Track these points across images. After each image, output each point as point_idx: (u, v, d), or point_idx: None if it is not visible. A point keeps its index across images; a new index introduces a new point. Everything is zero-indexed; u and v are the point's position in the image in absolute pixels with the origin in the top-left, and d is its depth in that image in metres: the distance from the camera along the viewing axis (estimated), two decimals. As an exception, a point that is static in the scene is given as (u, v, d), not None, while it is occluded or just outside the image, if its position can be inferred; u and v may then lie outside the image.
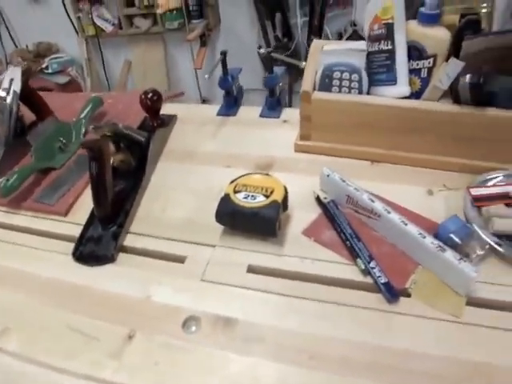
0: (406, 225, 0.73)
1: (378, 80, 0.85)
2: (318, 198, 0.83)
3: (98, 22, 2.17)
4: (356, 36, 1.93)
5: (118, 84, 2.42)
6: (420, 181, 0.86)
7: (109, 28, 2.19)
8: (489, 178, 0.83)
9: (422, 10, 0.78)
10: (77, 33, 2.23)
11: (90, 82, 2.38)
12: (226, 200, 0.75)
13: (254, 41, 2.06)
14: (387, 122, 0.85)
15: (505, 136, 0.81)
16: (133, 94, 1.01)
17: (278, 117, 1.05)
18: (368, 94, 0.87)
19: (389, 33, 0.80)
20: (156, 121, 1.00)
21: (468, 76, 0.76)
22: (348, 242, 0.74)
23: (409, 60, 0.83)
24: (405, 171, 0.89)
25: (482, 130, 0.81)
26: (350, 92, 0.86)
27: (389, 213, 0.75)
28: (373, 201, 0.77)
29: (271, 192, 0.75)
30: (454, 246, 0.72)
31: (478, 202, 0.79)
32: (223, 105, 1.09)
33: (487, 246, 0.73)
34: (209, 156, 0.97)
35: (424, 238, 0.70)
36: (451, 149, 0.85)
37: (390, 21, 0.79)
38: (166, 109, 1.12)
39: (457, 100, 0.81)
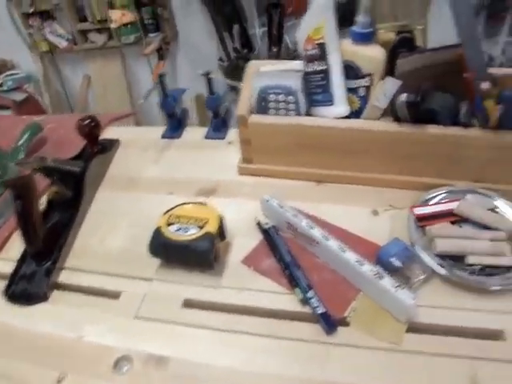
0: (344, 252, 0.71)
1: (316, 100, 0.83)
2: (259, 224, 0.81)
3: (51, 38, 2.12)
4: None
5: (79, 99, 2.37)
6: (366, 201, 0.85)
7: (63, 44, 2.14)
8: (432, 195, 0.82)
9: (355, 28, 0.77)
10: (29, 49, 2.17)
11: (49, 99, 2.33)
12: (158, 233, 0.73)
13: (215, 53, 2.03)
14: (328, 142, 0.83)
15: (446, 152, 0.80)
16: (75, 118, 0.97)
17: (224, 138, 1.03)
18: (309, 114, 0.85)
19: (322, 53, 0.78)
20: (95, 147, 0.97)
21: (404, 95, 0.75)
22: (287, 271, 0.72)
23: (346, 79, 0.81)
24: (351, 191, 0.88)
25: (424, 147, 0.80)
26: (287, 114, 0.84)
27: (327, 240, 0.73)
28: (311, 227, 0.75)
29: (205, 223, 0.73)
30: (395, 270, 0.71)
31: (422, 221, 0.78)
32: (167, 127, 1.06)
33: (429, 269, 0.71)
34: (151, 182, 0.95)
35: (362, 265, 0.69)
36: (395, 167, 0.84)
37: (322, 41, 0.77)
38: (110, 132, 1.09)
39: (396, 118, 0.80)
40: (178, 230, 0.73)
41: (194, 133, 1.07)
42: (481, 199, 0.80)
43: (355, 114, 0.83)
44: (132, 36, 2.07)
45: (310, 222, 0.76)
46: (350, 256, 0.70)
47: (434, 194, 0.82)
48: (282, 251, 0.75)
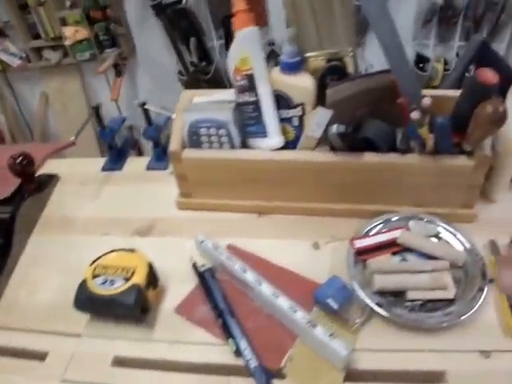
0: (276, 297, 0.67)
1: (250, 132, 0.80)
2: (194, 266, 0.77)
3: (4, 57, 2.05)
4: (274, 55, 1.86)
5: (37, 118, 2.31)
6: (308, 232, 0.82)
7: (16, 62, 2.07)
8: (374, 224, 0.79)
9: (282, 58, 0.73)
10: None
11: (5, 119, 2.26)
12: (82, 287, 0.69)
13: (174, 67, 1.98)
14: (265, 174, 0.80)
15: (385, 179, 0.77)
16: (12, 150, 0.91)
17: (166, 168, 0.98)
18: (245, 145, 0.81)
19: (251, 84, 0.75)
20: (31, 185, 0.92)
21: (335, 126, 0.71)
22: (220, 319, 0.69)
23: (279, 109, 0.77)
24: (293, 222, 0.84)
25: (362, 174, 0.77)
26: (221, 147, 0.80)
27: (260, 284, 0.70)
28: (245, 271, 0.71)
29: (132, 273, 0.69)
30: (332, 313, 0.67)
31: (362, 254, 0.75)
32: (107, 159, 1.02)
33: (368, 308, 0.68)
34: (87, 222, 0.90)
35: (295, 312, 0.65)
36: (335, 195, 0.81)
37: (250, 72, 0.74)
38: (49, 165, 1.04)
39: (332, 147, 0.76)
40: (103, 282, 0.69)
41: (135, 164, 1.03)
42: (423, 226, 0.78)
43: (292, 143, 0.80)
44: (87, 52, 2.01)
45: (243, 265, 0.72)
46: (283, 302, 0.67)
47: (376, 223, 0.79)
48: (216, 297, 0.72)
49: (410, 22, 1.87)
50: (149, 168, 1.00)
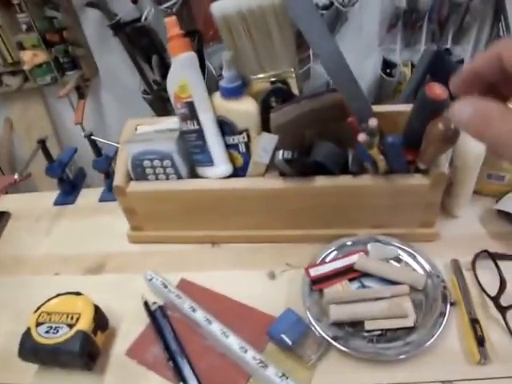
0: (227, 337, 0.64)
1: (197, 161, 0.76)
2: (146, 304, 0.73)
3: (-38, 85, 2.00)
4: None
5: (2, 144, 2.26)
6: (263, 261, 0.79)
7: (-24, 90, 2.03)
8: (330, 250, 0.76)
9: (222, 84, 0.70)
10: None
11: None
12: (26, 337, 0.65)
13: (137, 86, 1.94)
14: (214, 203, 0.77)
15: (339, 202, 0.75)
16: None
17: (118, 199, 0.94)
18: (194, 174, 0.78)
19: (192, 112, 0.72)
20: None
21: (280, 152, 0.68)
22: (171, 362, 0.65)
23: (224, 135, 0.75)
24: (247, 251, 0.81)
25: (314, 199, 0.74)
26: (167, 178, 0.77)
27: (210, 323, 0.66)
28: (194, 310, 0.68)
29: (77, 319, 0.65)
30: (287, 348, 0.64)
31: (319, 283, 0.71)
32: (59, 193, 0.98)
33: (325, 342, 0.65)
34: (38, 262, 0.86)
35: (245, 352, 0.62)
36: (289, 221, 0.78)
37: (189, 99, 0.71)
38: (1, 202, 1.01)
39: (282, 173, 0.73)
40: (47, 330, 0.65)
41: (88, 196, 0.99)
42: (382, 249, 0.75)
43: (241, 170, 0.77)
44: (48, 76, 1.96)
45: (193, 304, 0.69)
46: (233, 341, 0.64)
47: (332, 249, 0.76)
48: (167, 338, 0.68)
49: (375, 28, 1.86)
50: (101, 200, 0.97)
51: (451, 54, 1.83)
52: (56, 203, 0.98)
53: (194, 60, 0.70)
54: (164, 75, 1.92)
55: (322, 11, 1.72)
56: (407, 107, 0.71)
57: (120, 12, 1.75)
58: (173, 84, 0.71)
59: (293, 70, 0.70)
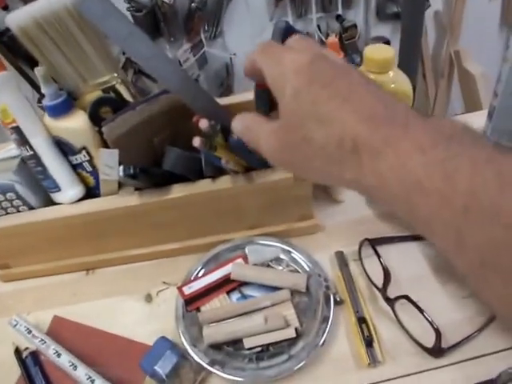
0: (92, 382, 0.58)
1: (46, 187, 0.68)
2: (17, 351, 0.66)
3: None
4: (129, 64, 1.71)
5: None
6: (139, 283, 0.72)
7: None
8: (202, 264, 0.70)
9: (44, 102, 0.62)
10: None
11: None
12: None
13: (31, 95, 1.81)
14: (75, 230, 0.70)
15: (206, 209, 0.69)
16: None
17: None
18: (52, 202, 0.70)
19: (22, 138, 0.63)
20: None
21: (120, 168, 0.60)
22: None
23: (68, 155, 0.67)
24: (123, 273, 0.75)
25: (176, 210, 0.67)
26: (19, 211, 0.69)
27: (75, 368, 0.60)
28: (59, 355, 0.61)
29: None
30: (162, 382, 0.58)
31: (193, 302, 0.65)
32: None
33: (203, 368, 0.59)
34: None
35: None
36: (160, 236, 0.73)
37: (14, 124, 0.62)
38: None
39: (136, 187, 0.66)
40: None
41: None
42: (261, 251, 0.69)
43: (96, 188, 0.69)
44: None
45: (57, 348, 0.63)
46: (99, 387, 0.57)
47: (206, 260, 0.69)
48: (37, 388, 0.62)
49: (263, 4, 1.80)
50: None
51: (344, 19, 1.78)
52: None
53: (9, 80, 0.61)
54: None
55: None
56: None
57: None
58: (-8, 109, 0.62)
59: (116, 75, 0.62)
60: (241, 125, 0.45)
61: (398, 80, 0.66)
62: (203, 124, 0.56)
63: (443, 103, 1.92)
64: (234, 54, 1.87)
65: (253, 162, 0.63)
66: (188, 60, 1.83)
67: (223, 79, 1.99)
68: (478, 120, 0.73)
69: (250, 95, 0.71)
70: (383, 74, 0.65)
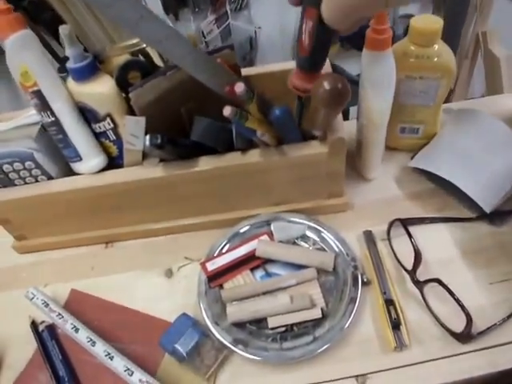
0: (111, 359, 0.56)
1: (66, 156, 0.66)
2: (33, 324, 0.65)
3: None
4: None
5: None
6: (160, 258, 0.71)
7: None
8: (226, 240, 0.67)
9: (68, 65, 0.59)
10: None
11: None
12: None
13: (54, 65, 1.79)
14: (93, 201, 0.67)
15: (232, 183, 0.66)
16: None
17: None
18: (71, 172, 0.67)
19: (43, 103, 0.60)
20: None
21: (147, 138, 0.58)
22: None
23: (91, 123, 0.64)
24: (145, 248, 0.73)
25: (202, 184, 0.65)
26: (37, 180, 0.67)
27: (93, 344, 0.58)
28: (77, 330, 0.59)
29: None
30: (182, 360, 0.56)
31: (216, 279, 0.63)
32: None
33: (225, 347, 0.57)
34: None
35: (131, 374, 0.54)
36: (183, 209, 0.70)
37: (36, 88, 0.59)
38: None
39: (161, 158, 0.64)
40: None
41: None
42: (287, 228, 0.67)
43: (120, 158, 0.67)
44: None
45: (76, 322, 0.61)
46: (118, 363, 0.56)
47: (230, 236, 0.67)
48: (54, 362, 0.60)
49: None
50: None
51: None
52: None
53: (31, 39, 0.58)
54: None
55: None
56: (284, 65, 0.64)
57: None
58: (14, 72, 0.59)
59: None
60: None
61: (442, 54, 0.63)
62: (239, 87, 0.53)
63: (464, 84, 1.87)
64: (259, 28, 1.82)
65: (290, 135, 0.60)
66: (212, 32, 1.80)
67: (246, 53, 1.95)
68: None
69: (272, 67, 0.69)
70: (428, 48, 0.62)
